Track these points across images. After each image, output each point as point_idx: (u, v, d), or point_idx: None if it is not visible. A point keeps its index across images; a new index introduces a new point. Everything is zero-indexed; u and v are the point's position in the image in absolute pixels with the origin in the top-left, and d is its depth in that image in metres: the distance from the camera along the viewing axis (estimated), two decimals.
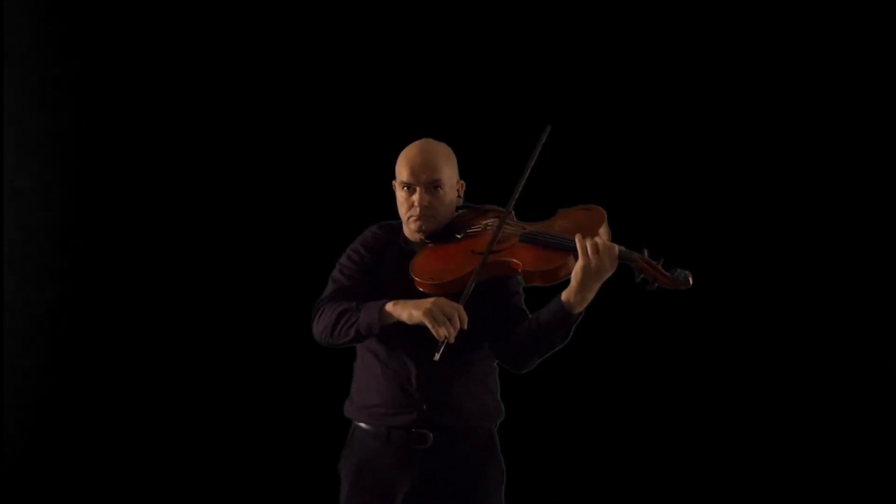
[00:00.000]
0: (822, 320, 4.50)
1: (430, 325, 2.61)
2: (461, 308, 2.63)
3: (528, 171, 2.81)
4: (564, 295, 2.69)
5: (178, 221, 4.59)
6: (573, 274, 2.65)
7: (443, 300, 2.64)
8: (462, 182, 2.98)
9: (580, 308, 2.69)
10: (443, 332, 2.60)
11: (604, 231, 2.75)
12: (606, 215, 2.78)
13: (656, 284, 2.68)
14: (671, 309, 4.41)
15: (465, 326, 2.63)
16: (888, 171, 4.45)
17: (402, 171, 2.89)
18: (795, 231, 4.49)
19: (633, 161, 4.50)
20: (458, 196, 2.97)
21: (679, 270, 2.66)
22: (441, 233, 2.91)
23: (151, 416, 4.60)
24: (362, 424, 2.95)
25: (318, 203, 4.51)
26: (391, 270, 2.91)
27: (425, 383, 2.87)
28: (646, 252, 2.69)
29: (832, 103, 4.45)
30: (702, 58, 4.48)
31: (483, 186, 3.08)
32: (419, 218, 2.87)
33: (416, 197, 2.86)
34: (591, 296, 2.68)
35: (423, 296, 2.81)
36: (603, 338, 4.44)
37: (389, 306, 2.70)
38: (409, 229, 2.93)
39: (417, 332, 2.76)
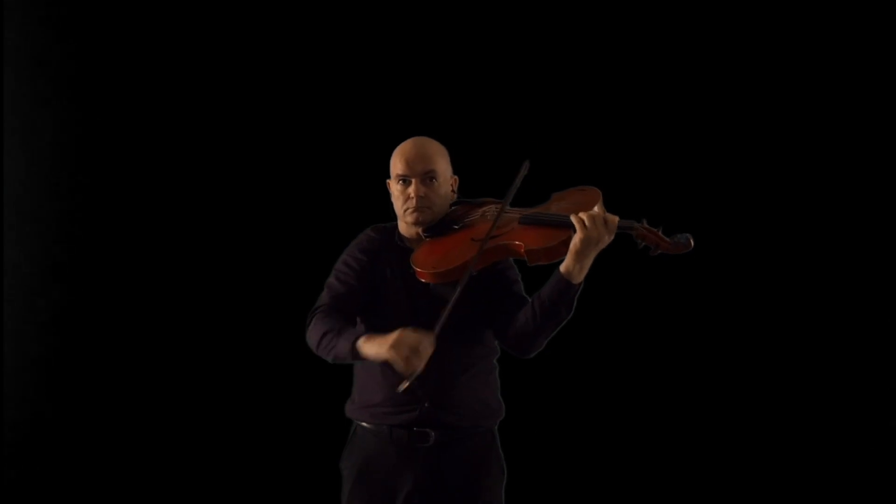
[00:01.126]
0: (824, 305, 4.53)
1: (393, 362, 2.60)
2: (426, 338, 2.61)
3: (509, 200, 2.84)
4: (563, 266, 2.72)
5: (179, 221, 4.60)
6: (571, 244, 2.68)
7: (408, 333, 2.62)
8: (455, 177, 3.01)
9: (580, 278, 2.72)
10: (408, 369, 2.59)
11: (599, 209, 2.78)
12: (601, 194, 2.82)
13: (659, 250, 2.72)
14: (670, 309, 4.47)
15: (430, 355, 2.61)
16: (883, 150, 4.50)
17: (396, 165, 2.92)
18: (797, 218, 4.53)
19: (626, 145, 4.55)
20: (453, 191, 3.00)
21: (679, 235, 2.71)
22: (437, 226, 2.93)
23: (152, 416, 4.58)
24: (364, 424, 2.96)
25: (316, 204, 4.52)
26: (389, 270, 2.93)
27: (427, 381, 2.85)
28: (644, 221, 2.73)
29: (829, 90, 4.50)
30: (695, 44, 4.55)
31: (479, 185, 3.12)
32: (416, 209, 2.89)
33: (411, 189, 2.89)
34: (588, 264, 2.71)
35: (425, 287, 2.84)
36: (603, 337, 4.48)
37: (361, 341, 2.68)
38: (406, 223, 2.95)
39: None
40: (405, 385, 2.61)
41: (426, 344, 2.60)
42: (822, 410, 4.52)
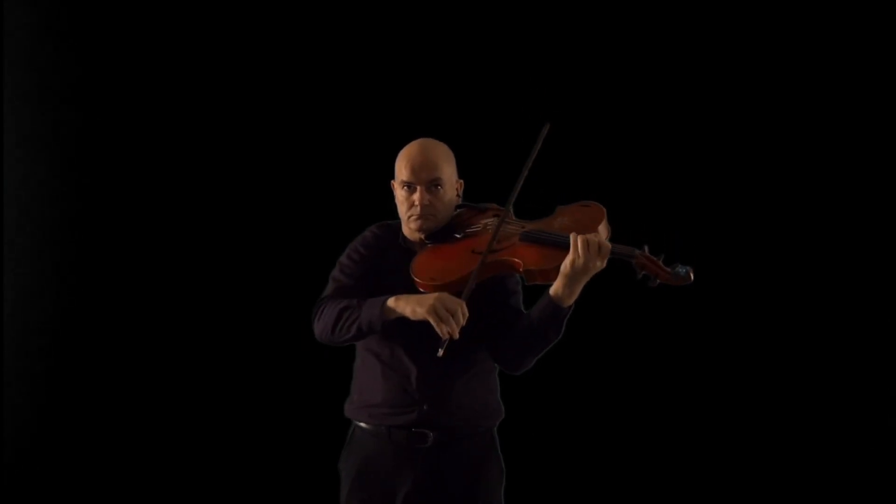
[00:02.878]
0: (822, 314, 4.51)
1: (434, 323, 2.62)
2: (464, 304, 2.63)
3: (527, 169, 2.81)
4: (553, 290, 2.70)
5: (179, 221, 4.59)
6: (561, 268, 2.66)
7: (446, 296, 2.65)
8: (461, 181, 2.99)
9: (569, 301, 2.70)
10: (446, 330, 2.60)
11: (603, 228, 2.75)
12: (606, 212, 2.79)
13: (658, 281, 2.68)
14: (670, 308, 4.42)
15: (464, 322, 2.63)
16: (888, 165, 4.47)
17: (401, 170, 2.89)
18: (796, 228, 4.50)
19: (633, 158, 4.51)
20: (458, 195, 2.98)
21: (680, 266, 2.66)
22: (440, 232, 2.92)
23: (152, 417, 4.59)
24: (362, 424, 2.96)
25: (318, 203, 4.51)
26: (392, 270, 2.91)
27: (426, 383, 2.87)
28: (646, 248, 2.69)
29: (832, 98, 4.47)
30: (699, 52, 4.50)
31: (482, 186, 3.09)
32: (419, 217, 2.87)
33: (416, 196, 2.87)
34: (578, 289, 2.69)
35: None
36: (602, 338, 4.46)
37: (391, 302, 2.71)
38: (409, 228, 2.94)
39: (418, 332, 2.77)
40: (441, 351, 2.63)
41: (464, 311, 2.63)
42: (821, 434, 4.52)
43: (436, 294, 2.65)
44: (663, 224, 3.82)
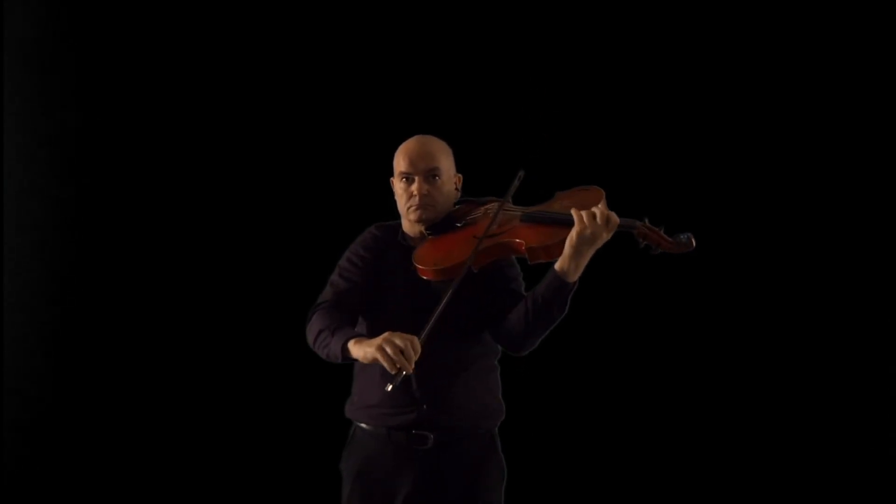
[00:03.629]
0: (825, 304, 4.51)
1: (382, 361, 2.56)
2: (415, 339, 2.58)
3: (509, 196, 2.86)
4: (558, 264, 2.71)
5: (179, 222, 4.59)
6: (567, 240, 2.67)
7: (396, 334, 2.58)
8: (459, 175, 3.00)
9: (575, 276, 2.71)
10: (394, 368, 2.56)
11: (602, 208, 2.77)
12: (604, 194, 2.81)
13: (660, 249, 2.71)
14: (670, 309, 4.45)
15: (417, 357, 2.57)
16: (883, 149, 4.49)
17: (400, 163, 2.92)
18: (799, 217, 4.52)
19: (630, 147, 4.53)
20: (457, 189, 2.99)
21: (681, 233, 2.69)
22: (440, 224, 2.92)
23: (152, 417, 4.57)
24: (363, 425, 2.95)
25: (318, 203, 4.52)
26: (393, 269, 2.92)
27: (425, 384, 2.86)
28: (646, 220, 2.72)
29: (829, 91, 4.49)
30: (697, 46, 4.54)
31: (481, 185, 3.11)
32: (419, 207, 2.88)
33: (414, 186, 2.88)
34: (584, 263, 2.70)
35: (427, 286, 2.82)
36: (603, 337, 4.47)
37: (350, 343, 2.67)
38: (409, 221, 2.95)
39: (417, 334, 2.76)
40: (390, 386, 2.58)
41: (414, 345, 2.57)
42: (822, 411, 4.51)
43: (386, 334, 2.59)
44: (659, 207, 3.83)
